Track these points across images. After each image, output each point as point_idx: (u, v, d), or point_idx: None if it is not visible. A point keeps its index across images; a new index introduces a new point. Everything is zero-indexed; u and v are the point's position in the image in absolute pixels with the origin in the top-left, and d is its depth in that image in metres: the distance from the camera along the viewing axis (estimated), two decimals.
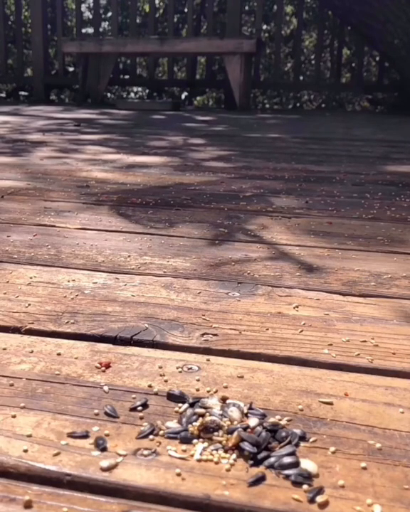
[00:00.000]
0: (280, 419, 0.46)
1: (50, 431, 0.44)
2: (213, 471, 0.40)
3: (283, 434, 0.44)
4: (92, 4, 5.55)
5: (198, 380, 0.52)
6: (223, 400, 0.49)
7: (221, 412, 0.46)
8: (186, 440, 0.43)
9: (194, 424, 0.45)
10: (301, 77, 5.11)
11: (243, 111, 4.27)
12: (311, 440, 0.44)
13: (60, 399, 0.49)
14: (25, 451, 0.42)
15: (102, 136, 2.59)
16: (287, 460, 0.41)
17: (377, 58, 5.10)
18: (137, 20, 5.44)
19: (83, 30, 5.64)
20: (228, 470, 0.40)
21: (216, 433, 0.44)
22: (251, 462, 0.41)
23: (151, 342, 0.60)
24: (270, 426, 0.45)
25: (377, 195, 1.40)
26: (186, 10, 5.39)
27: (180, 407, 0.47)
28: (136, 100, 5.87)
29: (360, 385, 0.52)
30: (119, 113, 3.97)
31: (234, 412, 0.46)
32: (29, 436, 0.44)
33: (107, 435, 0.44)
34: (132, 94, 6.42)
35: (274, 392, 0.51)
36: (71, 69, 5.46)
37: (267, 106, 5.93)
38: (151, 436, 0.44)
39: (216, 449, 0.42)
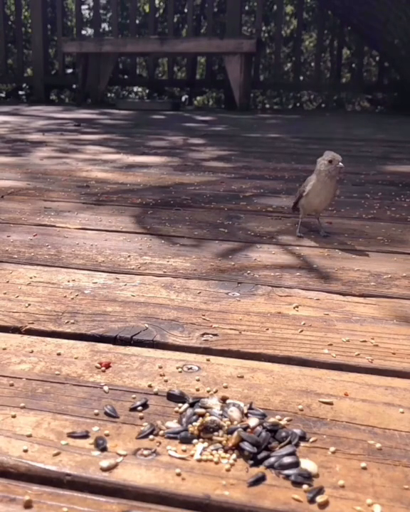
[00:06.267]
0: (280, 419, 0.46)
1: (50, 431, 0.44)
2: (213, 471, 0.40)
3: (283, 434, 0.44)
4: (92, 4, 5.55)
5: (198, 380, 0.52)
6: (223, 399, 0.49)
7: (221, 412, 0.46)
8: (186, 440, 0.43)
9: (194, 424, 0.45)
10: (301, 77, 5.10)
11: (243, 111, 4.26)
12: (311, 440, 0.44)
13: (60, 399, 0.49)
14: (26, 451, 0.42)
15: (102, 136, 2.59)
16: (287, 460, 0.41)
17: (377, 58, 5.09)
18: (137, 21, 5.43)
19: (83, 31, 5.63)
20: (228, 470, 0.40)
21: (216, 433, 0.44)
22: (251, 462, 0.41)
23: (151, 342, 0.60)
24: (270, 426, 0.45)
25: (377, 195, 1.40)
26: (186, 10, 5.39)
27: (180, 407, 0.47)
28: (136, 100, 5.86)
29: (360, 385, 0.52)
30: (119, 113, 3.98)
31: (234, 412, 0.46)
32: (29, 436, 0.44)
33: (107, 435, 0.44)
34: (132, 94, 6.41)
35: (274, 392, 0.51)
36: (70, 70, 5.44)
37: (267, 106, 5.92)
38: (151, 436, 0.44)
39: (216, 449, 0.42)
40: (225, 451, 0.42)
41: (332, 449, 0.43)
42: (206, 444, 0.43)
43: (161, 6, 6.19)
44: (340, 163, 0.95)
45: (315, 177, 0.98)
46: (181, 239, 0.99)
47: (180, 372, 0.54)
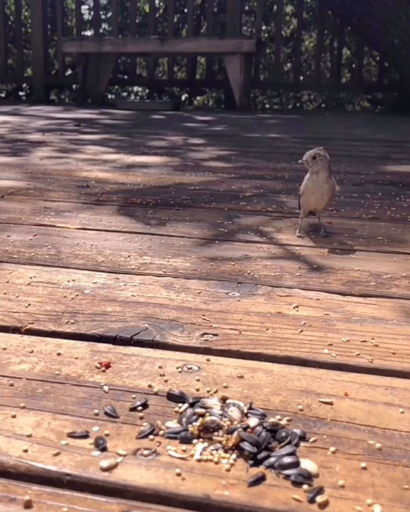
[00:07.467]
0: (280, 419, 0.46)
1: (50, 431, 0.44)
2: (213, 471, 0.40)
3: (283, 434, 0.44)
4: (92, 4, 5.55)
5: (198, 380, 0.52)
6: (223, 399, 0.49)
7: (221, 412, 0.46)
8: (186, 440, 0.43)
9: (194, 424, 0.45)
10: (301, 77, 5.11)
11: (243, 111, 4.26)
12: (311, 440, 0.44)
13: (60, 399, 0.49)
14: (26, 451, 0.42)
15: (102, 136, 2.59)
16: (287, 460, 0.41)
17: (377, 58, 5.09)
18: (137, 21, 5.43)
19: (83, 31, 5.63)
20: (228, 470, 0.40)
21: (216, 433, 0.44)
22: (251, 462, 0.41)
23: (151, 342, 0.60)
24: (270, 426, 0.45)
25: (377, 195, 1.40)
26: (186, 10, 5.39)
27: (180, 407, 0.47)
28: (136, 100, 5.86)
29: (360, 385, 0.52)
30: (119, 113, 3.97)
31: (234, 412, 0.46)
32: (29, 436, 0.44)
33: (107, 435, 0.44)
34: (132, 95, 6.41)
35: (274, 392, 0.51)
36: (70, 71, 5.44)
37: (267, 106, 5.92)
38: (151, 436, 0.44)
39: (216, 449, 0.42)
40: (225, 451, 0.42)
41: (332, 449, 0.43)
42: (206, 444, 0.43)
43: (161, 6, 6.19)
44: (303, 158, 1.01)
45: (308, 176, 1.01)
46: (181, 239, 0.99)
47: (180, 372, 0.54)
